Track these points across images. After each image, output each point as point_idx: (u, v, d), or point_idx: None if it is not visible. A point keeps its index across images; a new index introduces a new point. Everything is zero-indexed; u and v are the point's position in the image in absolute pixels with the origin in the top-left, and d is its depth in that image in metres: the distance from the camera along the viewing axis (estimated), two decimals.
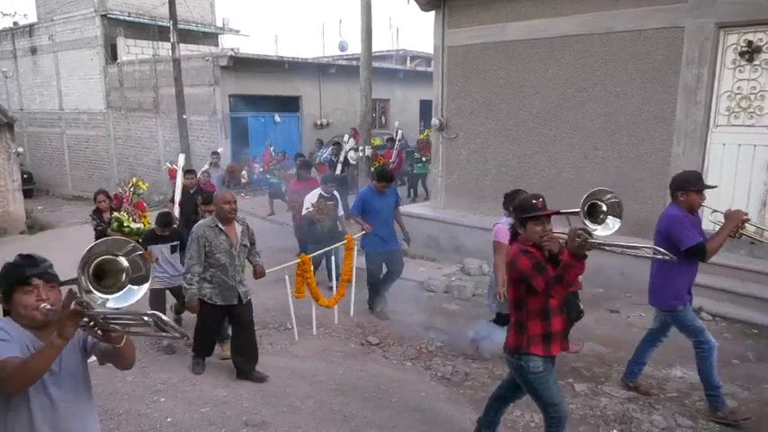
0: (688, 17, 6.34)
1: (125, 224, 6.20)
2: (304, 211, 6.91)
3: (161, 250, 5.46)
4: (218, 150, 12.05)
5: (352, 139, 12.42)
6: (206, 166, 10.36)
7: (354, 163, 11.82)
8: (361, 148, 10.37)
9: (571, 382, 4.65)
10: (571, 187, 7.48)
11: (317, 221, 6.73)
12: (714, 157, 6.49)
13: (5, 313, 2.20)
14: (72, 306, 1.88)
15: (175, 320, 5.46)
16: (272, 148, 12.41)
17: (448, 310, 6.45)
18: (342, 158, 12.00)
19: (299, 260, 5.54)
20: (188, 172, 8.12)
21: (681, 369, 4.86)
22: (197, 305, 4.58)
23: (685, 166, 6.58)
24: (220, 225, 4.52)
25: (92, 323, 1.91)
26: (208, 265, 4.52)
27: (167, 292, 5.66)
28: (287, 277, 5.60)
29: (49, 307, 2.06)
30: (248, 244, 4.76)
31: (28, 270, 2.12)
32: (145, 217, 6.62)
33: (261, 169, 12.01)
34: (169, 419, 4.18)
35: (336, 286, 6.36)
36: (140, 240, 5.82)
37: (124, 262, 2.07)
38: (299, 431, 3.96)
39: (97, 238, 5.80)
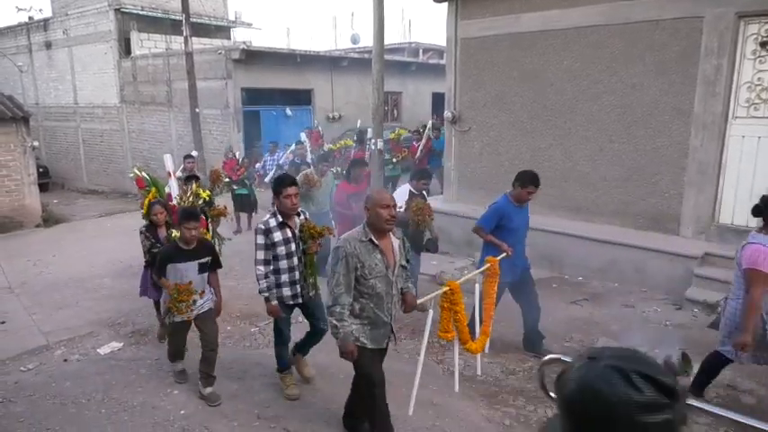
0: (707, 6, 6.21)
1: None
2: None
3: (185, 271, 4.23)
4: (193, 153, 9.85)
5: (305, 136, 11.53)
6: (179, 173, 8.01)
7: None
8: (373, 140, 10.31)
9: None
10: (586, 181, 7.40)
11: (416, 224, 5.66)
12: (733, 150, 6.36)
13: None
14: None
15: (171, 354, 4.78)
16: (237, 154, 10.90)
17: None
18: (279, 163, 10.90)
19: (445, 288, 4.07)
20: (187, 157, 7.76)
21: (697, 366, 4.78)
22: (353, 350, 3.30)
23: (703, 159, 6.48)
24: (375, 239, 3.28)
25: None
26: (357, 293, 3.32)
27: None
28: (430, 311, 4.15)
29: None
30: (406, 264, 3.61)
31: None
32: (207, 233, 5.71)
33: (226, 180, 9.13)
34: (182, 412, 4.20)
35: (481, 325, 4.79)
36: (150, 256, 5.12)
37: None
38: (310, 425, 3.96)
39: (152, 262, 5.00)
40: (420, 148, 11.16)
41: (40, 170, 15.58)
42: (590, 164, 7.37)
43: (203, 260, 4.35)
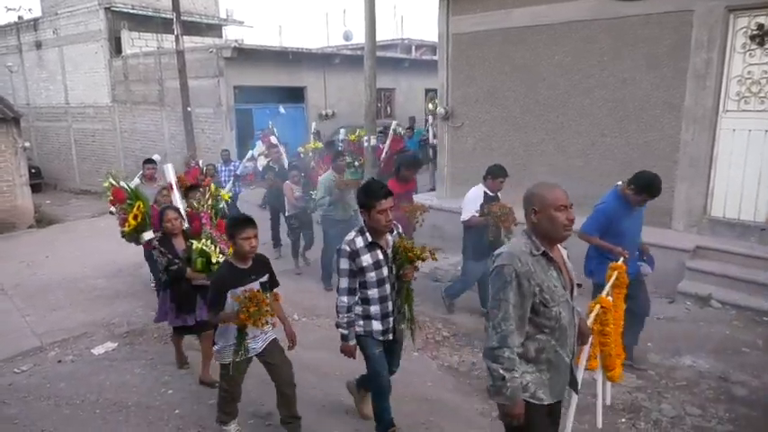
0: (697, 0, 6.23)
1: (214, 260, 4.21)
2: (466, 216, 5.47)
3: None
4: (155, 157, 8.24)
5: (259, 143, 10.55)
6: (136, 180, 7.24)
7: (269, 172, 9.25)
8: (366, 138, 10.29)
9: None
10: (579, 175, 7.42)
11: (495, 231, 5.19)
12: (724, 144, 6.40)
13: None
14: None
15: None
16: (201, 162, 9.59)
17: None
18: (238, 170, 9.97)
19: (597, 306, 3.21)
20: (148, 162, 7.07)
21: (690, 358, 4.83)
22: (521, 412, 2.40)
23: (694, 152, 6.52)
24: (548, 250, 2.45)
25: None
26: (532, 329, 2.42)
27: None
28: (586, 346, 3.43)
29: None
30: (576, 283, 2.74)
31: None
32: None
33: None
34: (177, 411, 4.20)
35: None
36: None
37: None
38: (304, 421, 3.96)
39: (172, 282, 4.38)
40: (385, 150, 10.19)
41: (32, 171, 15.49)
42: (583, 158, 7.40)
43: (263, 279, 3.56)
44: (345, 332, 3.42)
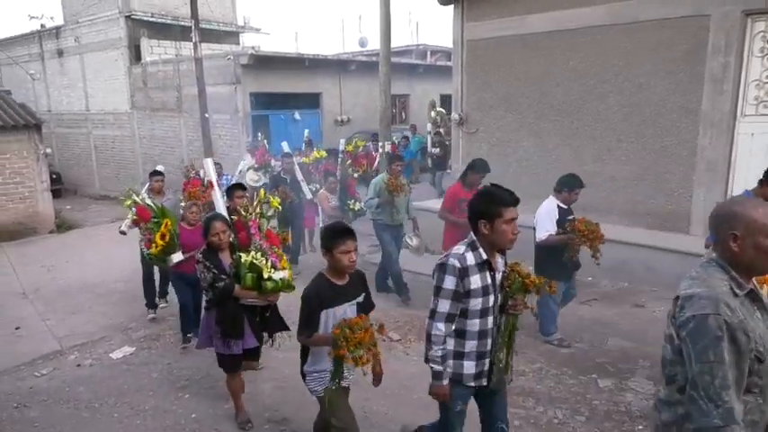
0: (713, 5, 6.18)
1: (266, 275, 3.81)
2: (543, 235, 4.89)
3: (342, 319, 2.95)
4: (159, 168, 7.71)
5: (249, 156, 10.06)
6: (143, 194, 6.49)
7: (258, 185, 8.97)
8: (381, 144, 10.33)
9: (595, 378, 4.60)
10: (594, 180, 7.36)
11: (575, 250, 4.80)
12: (742, 148, 6.33)
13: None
14: None
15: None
16: (201, 173, 8.27)
17: None
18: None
19: None
20: (155, 174, 6.57)
21: None
22: None
23: (712, 157, 6.44)
24: (756, 288, 1.99)
25: None
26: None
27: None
28: None
29: None
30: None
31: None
32: (283, 257, 4.16)
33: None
34: (193, 416, 4.25)
35: None
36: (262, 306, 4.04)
37: None
38: None
39: (218, 301, 3.87)
40: (378, 158, 9.97)
41: (53, 177, 15.78)
42: (598, 164, 7.35)
43: (360, 299, 3.13)
44: (439, 368, 2.74)
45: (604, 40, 7.05)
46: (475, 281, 2.66)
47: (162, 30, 17.26)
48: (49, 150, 12.91)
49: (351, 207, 7.31)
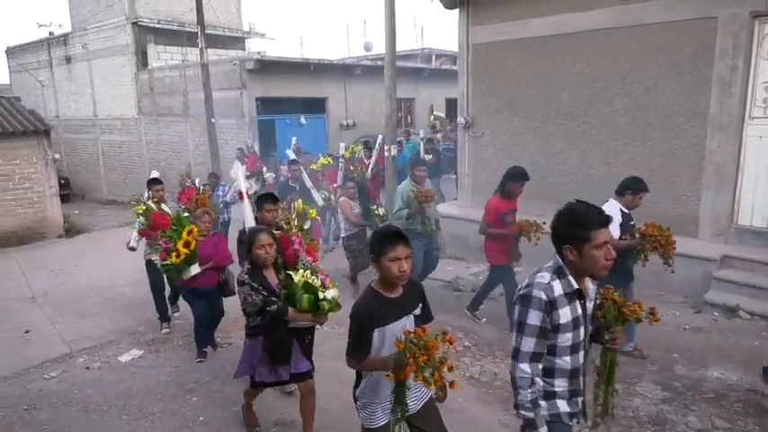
0: (720, 7, 6.16)
1: (320, 296, 3.54)
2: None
3: (396, 337, 2.54)
4: (156, 175, 6.83)
5: (237, 163, 9.21)
6: (152, 200, 6.16)
7: (252, 192, 8.61)
8: (387, 148, 10.34)
9: None
10: (601, 184, 7.35)
11: (644, 258, 4.61)
12: (751, 151, 6.30)
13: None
14: None
15: None
16: (197, 181, 8.25)
17: None
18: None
19: None
20: (154, 182, 6.13)
21: (717, 369, 4.74)
22: None
23: (720, 160, 6.42)
24: None
25: None
26: None
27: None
28: None
29: None
30: None
31: None
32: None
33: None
34: (201, 418, 4.27)
35: None
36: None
37: None
38: (327, 431, 3.99)
39: (269, 326, 3.54)
40: (371, 165, 9.60)
41: (62, 182, 15.89)
42: (605, 167, 7.33)
43: (417, 311, 2.77)
44: (531, 416, 2.34)
45: (610, 43, 7.05)
46: (564, 314, 2.30)
47: (168, 36, 17.40)
48: (57, 156, 13.04)
49: (375, 213, 6.93)
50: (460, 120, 8.77)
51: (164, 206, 5.46)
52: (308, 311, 3.52)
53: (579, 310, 2.35)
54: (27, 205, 11.71)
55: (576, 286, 2.32)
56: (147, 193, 6.39)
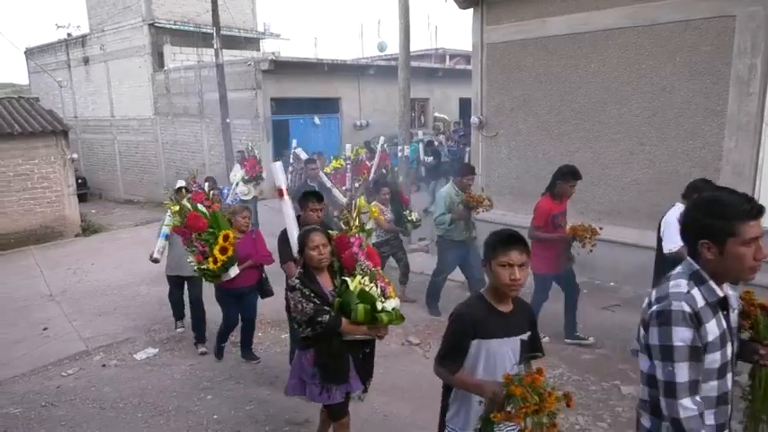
0: (738, 5, 6.07)
1: (379, 306, 3.10)
2: (675, 246, 4.25)
3: (500, 357, 2.32)
4: (183, 184, 6.80)
5: (237, 167, 9.56)
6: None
7: (248, 198, 9.17)
8: (401, 147, 10.35)
9: (618, 384, 4.54)
10: (616, 184, 7.29)
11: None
12: None
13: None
14: None
15: None
16: (207, 185, 7.94)
17: None
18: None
19: None
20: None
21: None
22: None
23: (738, 160, 6.32)
24: None
25: None
26: None
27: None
28: None
29: None
30: None
31: None
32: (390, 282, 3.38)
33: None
34: (215, 416, 4.30)
35: None
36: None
37: None
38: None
39: (320, 338, 3.09)
40: (373, 168, 9.42)
41: (79, 181, 16.15)
42: (620, 167, 7.26)
43: (525, 335, 2.39)
44: None
45: (626, 42, 6.98)
46: (711, 329, 1.88)
47: (184, 37, 17.58)
48: (75, 155, 13.22)
49: (408, 218, 6.74)
50: (474, 120, 8.74)
51: (200, 206, 5.03)
52: (364, 323, 3.11)
53: (724, 323, 1.93)
54: (45, 204, 11.90)
55: (720, 293, 1.91)
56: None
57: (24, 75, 23.05)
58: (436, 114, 15.55)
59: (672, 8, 6.53)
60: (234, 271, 4.80)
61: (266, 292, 5.26)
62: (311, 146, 14.85)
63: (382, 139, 9.96)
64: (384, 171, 9.42)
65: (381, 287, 3.19)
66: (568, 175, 5.16)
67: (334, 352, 3.14)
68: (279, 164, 4.18)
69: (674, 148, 6.79)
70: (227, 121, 13.85)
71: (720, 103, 6.35)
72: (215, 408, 4.44)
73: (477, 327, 2.26)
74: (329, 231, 3.40)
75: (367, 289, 3.11)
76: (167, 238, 5.64)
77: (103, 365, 5.44)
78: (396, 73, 10.26)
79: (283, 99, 14.92)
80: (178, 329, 6.18)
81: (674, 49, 6.58)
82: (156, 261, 5.74)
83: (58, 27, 21.12)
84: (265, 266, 5.24)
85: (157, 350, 5.71)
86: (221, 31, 13.70)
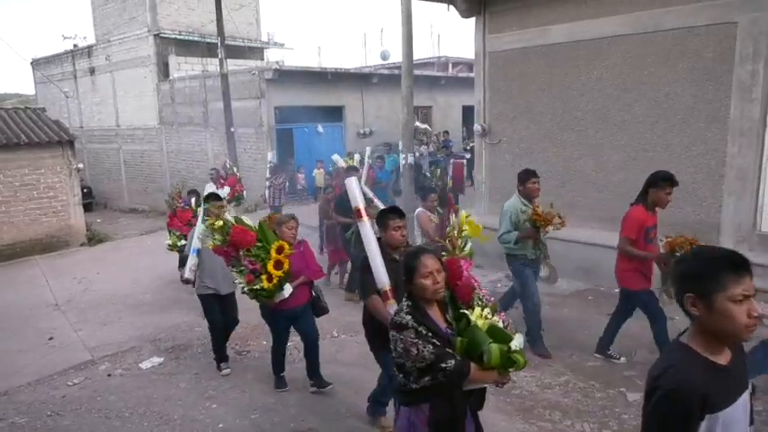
0: (740, 12, 6.09)
1: (513, 346, 2.44)
2: None
3: None
4: (213, 190, 6.20)
5: (211, 185, 8.12)
6: (200, 225, 5.12)
7: (232, 217, 8.20)
8: (404, 156, 10.38)
9: (623, 391, 4.52)
10: (620, 191, 7.28)
11: None
12: None
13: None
14: None
15: None
16: (193, 201, 7.66)
17: None
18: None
19: None
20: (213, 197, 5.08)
21: None
22: None
23: (742, 165, 6.32)
24: None
25: None
26: None
27: None
28: None
29: None
30: None
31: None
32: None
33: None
34: (221, 425, 4.31)
35: None
36: None
37: None
38: None
39: (441, 390, 2.39)
40: (362, 180, 8.76)
41: (85, 191, 16.25)
42: (624, 173, 7.26)
43: (750, 387, 1.78)
44: None
45: (629, 49, 7.00)
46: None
47: (189, 47, 17.72)
48: (80, 165, 13.30)
49: None
50: (477, 127, 8.77)
51: (245, 218, 4.47)
52: (496, 368, 2.42)
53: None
54: (51, 214, 11.97)
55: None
56: (200, 210, 5.47)
57: (31, 85, 23.27)
58: (417, 125, 14.70)
59: (674, 15, 6.56)
60: (288, 289, 4.29)
61: (321, 309, 4.71)
62: (314, 154, 14.96)
63: (368, 150, 9.79)
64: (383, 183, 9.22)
65: (503, 320, 2.59)
66: (663, 181, 4.68)
67: (454, 408, 2.44)
68: (354, 179, 3.62)
69: (677, 154, 6.79)
70: (232, 129, 13.93)
71: (723, 109, 6.36)
72: (220, 416, 4.44)
73: (706, 399, 1.58)
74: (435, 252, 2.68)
75: (495, 324, 2.48)
76: (198, 252, 5.06)
77: (109, 375, 5.45)
78: (399, 81, 10.31)
79: (287, 108, 15.00)
80: (223, 372, 5.22)
81: (677, 56, 6.60)
82: (187, 282, 5.24)
83: (65, 38, 21.33)
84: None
85: (163, 359, 5.72)
86: (226, 41, 13.81)
